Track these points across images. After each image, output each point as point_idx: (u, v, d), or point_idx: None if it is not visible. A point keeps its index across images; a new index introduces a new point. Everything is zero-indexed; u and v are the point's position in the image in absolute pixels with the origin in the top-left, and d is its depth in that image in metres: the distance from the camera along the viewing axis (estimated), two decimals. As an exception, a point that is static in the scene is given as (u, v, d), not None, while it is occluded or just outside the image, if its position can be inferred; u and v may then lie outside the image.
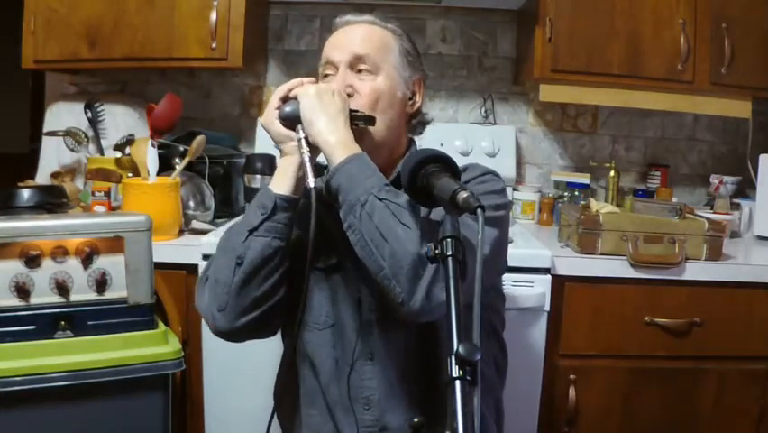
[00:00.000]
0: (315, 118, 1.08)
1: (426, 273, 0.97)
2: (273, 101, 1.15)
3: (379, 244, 1.00)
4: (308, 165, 1.07)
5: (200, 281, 1.18)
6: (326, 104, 1.09)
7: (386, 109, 1.19)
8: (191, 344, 1.78)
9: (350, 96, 1.17)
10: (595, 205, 1.97)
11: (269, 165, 1.87)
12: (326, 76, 1.21)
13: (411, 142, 1.29)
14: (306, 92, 1.11)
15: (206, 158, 2.04)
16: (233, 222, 1.22)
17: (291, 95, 1.14)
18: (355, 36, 1.20)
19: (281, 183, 1.12)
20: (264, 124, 1.16)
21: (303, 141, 1.09)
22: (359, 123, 1.14)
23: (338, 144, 1.07)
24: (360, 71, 1.19)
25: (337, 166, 1.05)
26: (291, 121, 1.11)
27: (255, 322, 1.12)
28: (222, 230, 1.88)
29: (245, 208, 1.89)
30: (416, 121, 1.28)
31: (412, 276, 0.97)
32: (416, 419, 0.94)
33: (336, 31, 1.24)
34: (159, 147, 1.94)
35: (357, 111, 1.15)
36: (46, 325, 1.42)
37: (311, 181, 1.05)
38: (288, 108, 1.12)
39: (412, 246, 0.98)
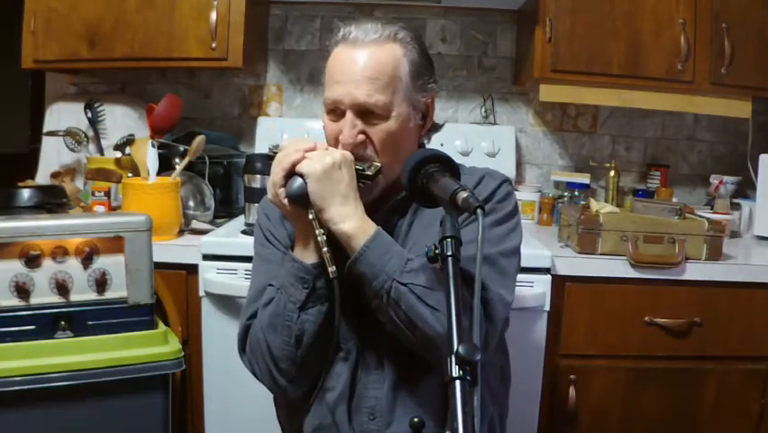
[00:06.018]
0: (325, 205, 1.05)
1: None
2: (276, 177, 1.08)
3: (409, 326, 1.03)
4: (326, 252, 1.06)
5: (249, 353, 1.16)
6: (335, 182, 1.05)
7: (400, 146, 1.15)
8: (191, 344, 1.79)
9: (361, 143, 1.12)
10: (595, 205, 1.97)
11: (268, 165, 1.87)
12: (332, 111, 1.15)
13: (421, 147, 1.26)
14: (313, 171, 1.04)
15: (206, 158, 2.04)
16: (268, 301, 1.15)
17: (297, 170, 1.07)
18: (360, 73, 1.10)
19: (308, 253, 1.10)
20: (273, 203, 1.11)
21: (316, 222, 1.06)
22: (366, 181, 1.12)
23: (353, 232, 1.05)
24: (369, 114, 1.12)
25: (356, 255, 1.05)
26: (299, 201, 1.07)
27: (319, 375, 1.14)
28: (222, 231, 1.91)
29: (245, 209, 1.90)
30: (428, 134, 1.27)
31: (446, 353, 0.98)
32: (415, 419, 0.94)
33: (339, 52, 1.14)
34: (159, 147, 1.94)
35: (362, 169, 1.11)
36: (46, 325, 1.42)
37: (331, 272, 1.05)
38: (294, 188, 1.06)
39: (440, 327, 0.99)
